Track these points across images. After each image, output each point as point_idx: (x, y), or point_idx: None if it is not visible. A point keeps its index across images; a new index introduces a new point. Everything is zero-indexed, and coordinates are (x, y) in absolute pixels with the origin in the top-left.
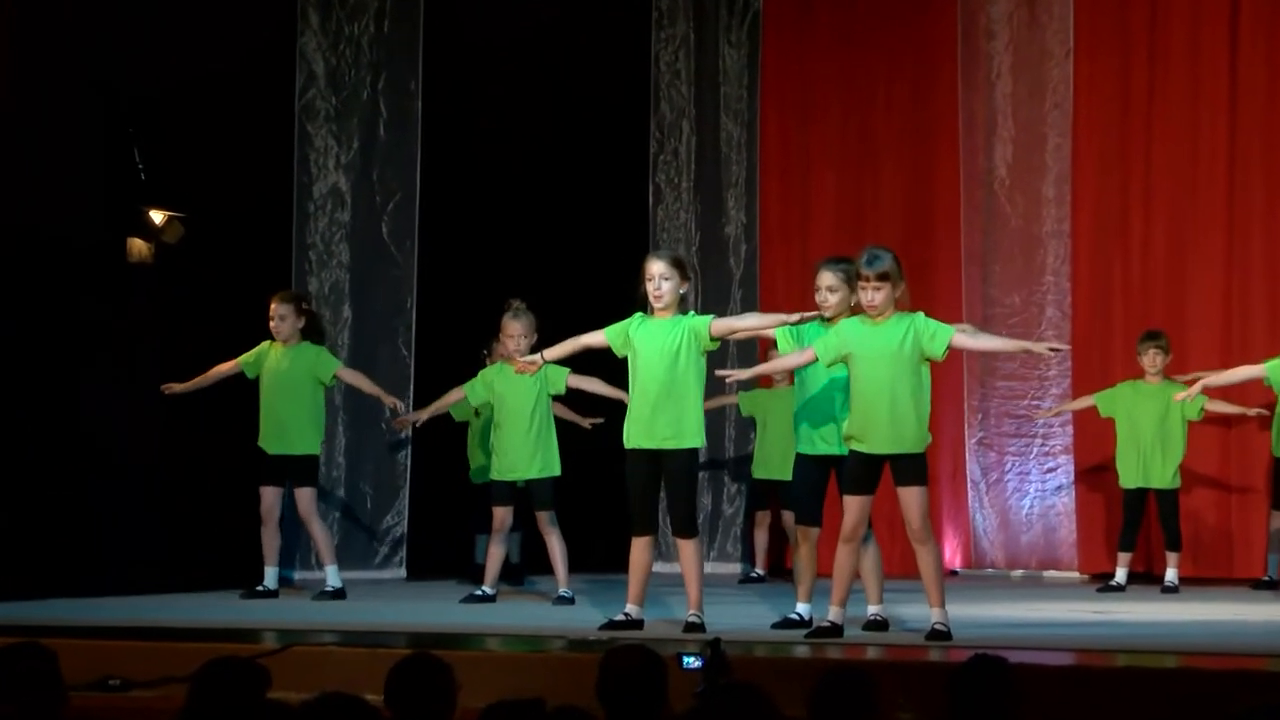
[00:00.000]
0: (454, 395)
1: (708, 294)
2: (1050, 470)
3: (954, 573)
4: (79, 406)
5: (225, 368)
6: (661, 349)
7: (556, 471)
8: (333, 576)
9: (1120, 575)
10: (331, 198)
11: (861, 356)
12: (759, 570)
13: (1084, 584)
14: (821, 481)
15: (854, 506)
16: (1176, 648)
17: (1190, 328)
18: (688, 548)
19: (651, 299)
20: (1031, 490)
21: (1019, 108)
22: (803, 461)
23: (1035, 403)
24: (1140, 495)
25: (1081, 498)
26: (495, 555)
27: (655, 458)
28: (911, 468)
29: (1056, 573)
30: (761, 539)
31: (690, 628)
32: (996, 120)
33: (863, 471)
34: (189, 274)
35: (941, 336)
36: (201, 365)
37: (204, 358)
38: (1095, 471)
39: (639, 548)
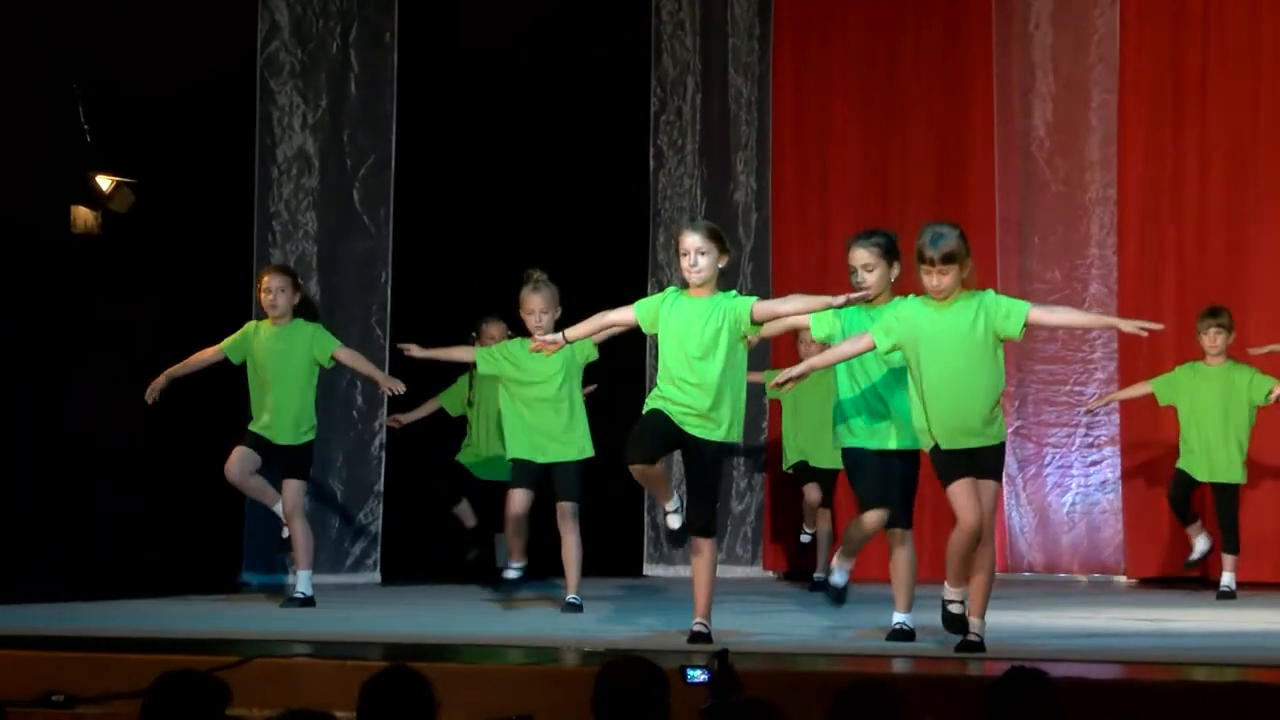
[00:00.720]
0: (461, 352)
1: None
2: (1095, 464)
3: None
4: (16, 392)
5: (207, 354)
6: (697, 331)
7: (590, 453)
8: (304, 583)
9: (1201, 543)
10: (298, 161)
11: (928, 342)
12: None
13: (1131, 589)
14: (908, 477)
15: (958, 494)
16: (1234, 660)
17: (1252, 304)
18: (706, 548)
19: (688, 275)
20: (1074, 486)
21: (1060, 61)
22: (866, 455)
23: (1078, 388)
24: (1193, 482)
25: (1129, 494)
26: (517, 535)
27: (682, 439)
28: (992, 461)
29: (1101, 576)
30: (824, 526)
31: (696, 638)
32: (1035, 75)
33: (950, 461)
34: (140, 246)
35: (1017, 314)
36: (152, 347)
37: (156, 339)
38: (1144, 465)
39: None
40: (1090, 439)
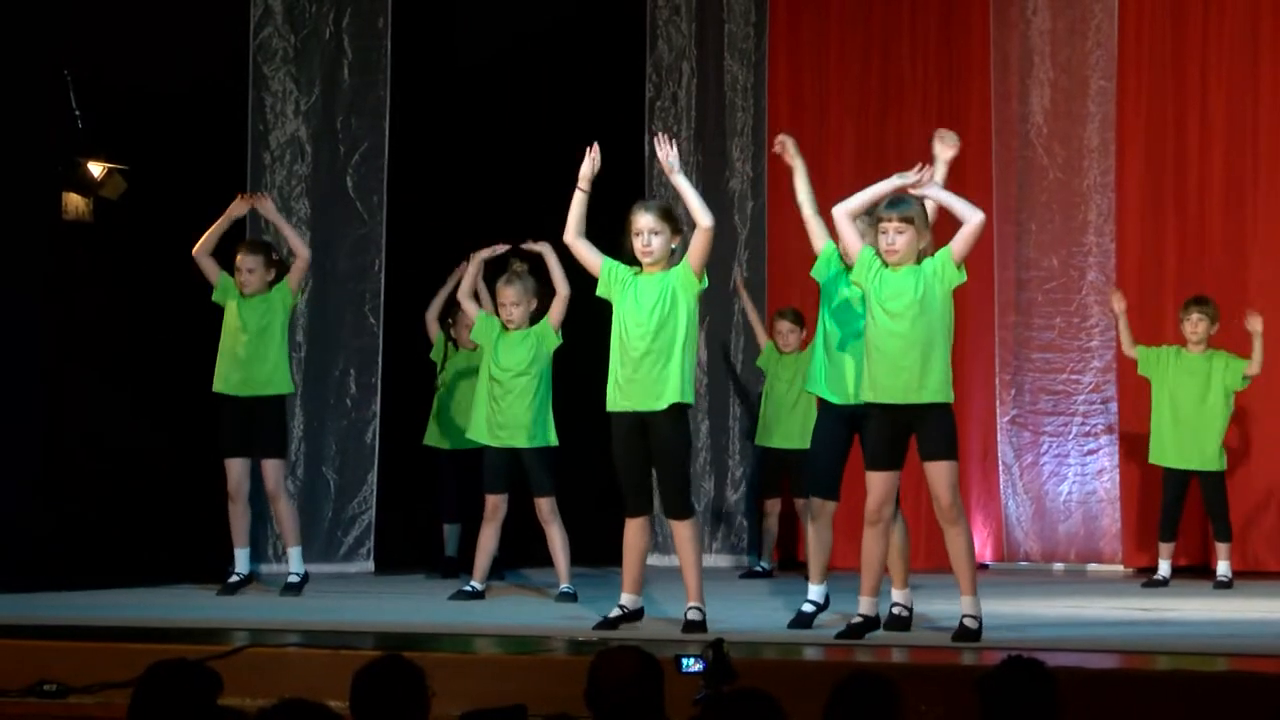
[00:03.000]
0: (472, 306)
1: (711, 255)
2: (1091, 452)
3: (984, 566)
4: (6, 378)
5: (210, 263)
6: (648, 308)
7: (553, 442)
8: (296, 561)
9: (1163, 568)
10: (290, 148)
11: (876, 301)
12: (765, 563)
13: (1128, 579)
14: (843, 443)
15: (877, 483)
16: (1230, 649)
17: (1252, 294)
18: (683, 530)
19: (640, 255)
20: (1070, 474)
21: (1058, 47)
22: (822, 416)
23: (1075, 376)
24: (1181, 478)
25: (1126, 483)
26: (486, 545)
27: (640, 423)
28: (939, 435)
29: (1098, 566)
30: (772, 527)
31: (690, 626)
32: (1033, 60)
33: (886, 439)
34: (131, 233)
35: (944, 258)
36: (143, 334)
37: (147, 326)
38: (1141, 454)
39: (632, 530)
40: (1087, 427)
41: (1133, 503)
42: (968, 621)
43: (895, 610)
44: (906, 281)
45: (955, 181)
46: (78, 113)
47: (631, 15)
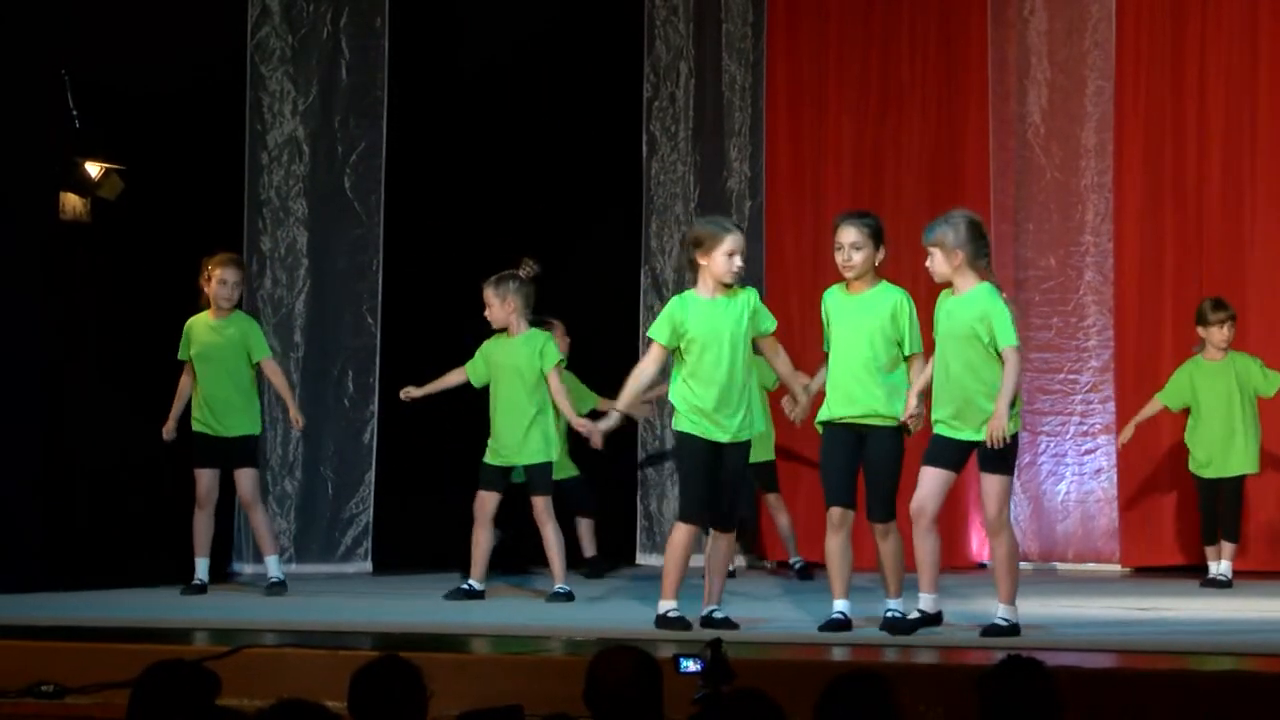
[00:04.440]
0: (454, 377)
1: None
2: (1089, 452)
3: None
4: (5, 379)
5: (183, 385)
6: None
7: (554, 456)
8: (274, 567)
9: (1216, 568)
10: (288, 148)
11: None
12: (797, 559)
13: (1126, 578)
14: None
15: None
16: (1229, 649)
17: (1251, 295)
18: (723, 541)
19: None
20: (1068, 474)
21: (1055, 46)
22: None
23: (1072, 376)
24: (1215, 485)
25: (1124, 483)
26: (482, 543)
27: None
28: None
29: (1096, 566)
30: (784, 522)
31: (709, 623)
32: (1030, 60)
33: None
34: (129, 233)
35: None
36: (142, 334)
37: (145, 326)
38: (1139, 453)
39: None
40: (1085, 427)
41: (1131, 503)
42: (901, 613)
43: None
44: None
45: (954, 182)
46: (75, 113)
47: (629, 15)
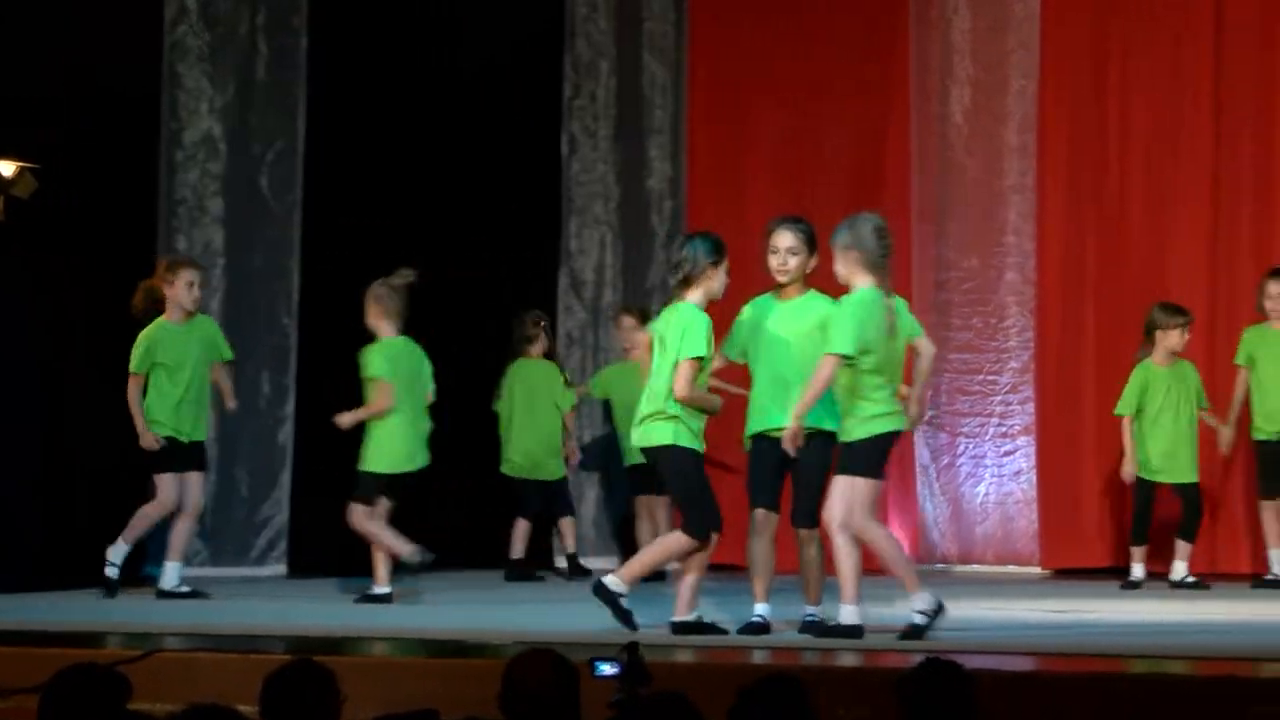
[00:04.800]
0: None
1: (629, 256)
2: (1008, 453)
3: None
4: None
5: (137, 395)
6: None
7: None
8: (176, 575)
9: (1139, 570)
10: (204, 146)
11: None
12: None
13: (1045, 580)
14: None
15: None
16: (1146, 651)
17: (1172, 297)
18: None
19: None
20: (987, 476)
21: (979, 46)
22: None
23: (992, 377)
24: (1158, 489)
25: (1044, 485)
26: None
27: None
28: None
29: (1016, 568)
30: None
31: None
32: (953, 60)
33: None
34: (42, 232)
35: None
36: (55, 332)
37: (59, 324)
38: (1059, 454)
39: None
40: (1004, 428)
41: (1050, 504)
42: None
43: (808, 619)
44: None
45: (875, 180)
46: None
47: (550, 12)
